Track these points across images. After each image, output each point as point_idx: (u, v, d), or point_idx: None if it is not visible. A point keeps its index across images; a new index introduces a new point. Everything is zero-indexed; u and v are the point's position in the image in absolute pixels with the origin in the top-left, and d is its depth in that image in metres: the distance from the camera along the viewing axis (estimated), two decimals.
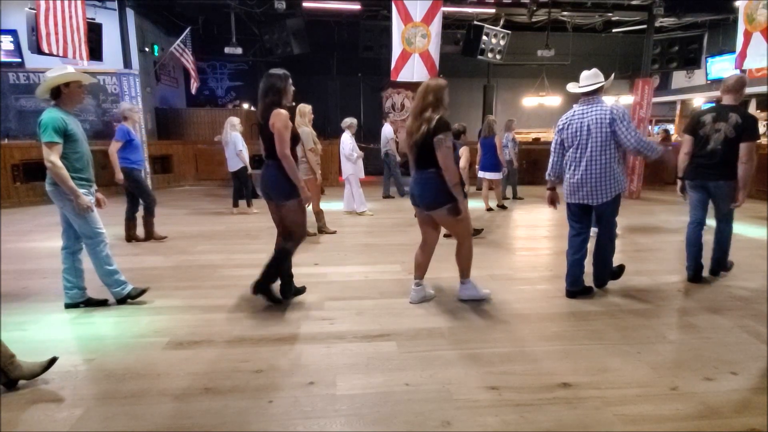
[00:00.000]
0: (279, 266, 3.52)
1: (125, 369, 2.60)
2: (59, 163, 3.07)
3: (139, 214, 5.69)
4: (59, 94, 3.15)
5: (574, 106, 3.67)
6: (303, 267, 4.55)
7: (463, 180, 4.18)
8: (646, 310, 3.52)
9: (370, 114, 14.08)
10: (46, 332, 3.13)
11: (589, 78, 3.53)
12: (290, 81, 3.35)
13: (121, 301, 3.54)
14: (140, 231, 5.71)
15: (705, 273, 4.17)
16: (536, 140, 13.92)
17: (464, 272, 3.61)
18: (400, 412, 2.21)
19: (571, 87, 3.67)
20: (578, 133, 3.52)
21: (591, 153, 3.47)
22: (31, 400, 2.30)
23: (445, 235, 5.78)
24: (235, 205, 7.66)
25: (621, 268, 4.00)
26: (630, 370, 2.60)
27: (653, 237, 5.97)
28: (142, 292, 3.63)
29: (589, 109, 3.49)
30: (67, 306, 3.48)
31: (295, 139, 3.37)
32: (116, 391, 2.39)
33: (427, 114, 3.22)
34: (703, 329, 3.18)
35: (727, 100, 3.86)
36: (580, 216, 3.73)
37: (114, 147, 5.27)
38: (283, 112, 3.24)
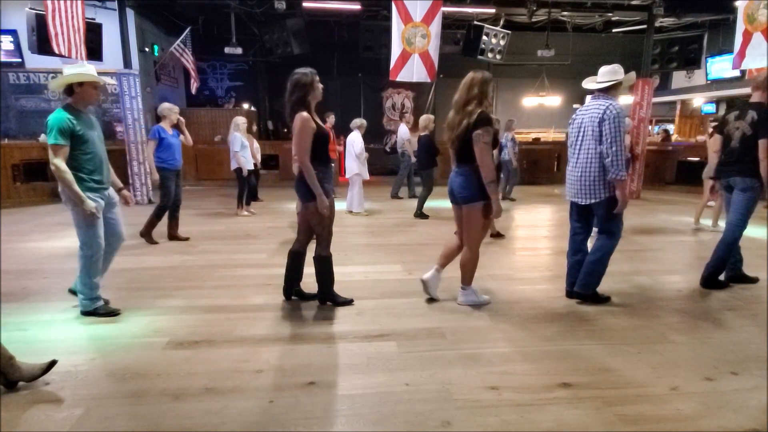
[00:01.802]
0: (325, 272, 3.50)
1: (125, 369, 2.60)
2: (63, 166, 3.00)
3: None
4: (72, 91, 3.11)
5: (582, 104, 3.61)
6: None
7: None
8: (647, 310, 3.52)
9: (370, 114, 14.07)
10: (46, 332, 3.12)
11: (605, 75, 3.43)
12: (317, 78, 3.26)
13: (86, 314, 3.34)
14: (155, 232, 5.72)
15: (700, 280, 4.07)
16: (536, 140, 13.92)
17: (466, 279, 3.57)
18: (400, 412, 2.21)
19: (587, 83, 3.57)
20: (577, 130, 3.48)
21: (583, 151, 3.42)
22: (31, 400, 2.30)
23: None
24: (247, 203, 7.63)
25: (607, 299, 3.69)
26: (630, 370, 2.60)
27: (653, 237, 5.97)
28: (112, 313, 3.37)
29: (591, 106, 3.42)
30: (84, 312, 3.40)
31: (322, 138, 3.26)
32: (116, 391, 2.39)
33: (469, 108, 3.20)
34: (703, 329, 3.18)
35: (755, 97, 3.78)
36: (578, 214, 3.68)
37: (149, 147, 5.47)
38: (304, 115, 3.15)
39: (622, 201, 3.36)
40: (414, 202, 7.82)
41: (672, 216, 7.41)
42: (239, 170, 7.16)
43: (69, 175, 3.02)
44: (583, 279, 3.60)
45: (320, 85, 3.29)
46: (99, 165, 3.20)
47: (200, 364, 2.66)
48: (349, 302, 3.57)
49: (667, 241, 5.79)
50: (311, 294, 3.68)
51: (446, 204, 8.11)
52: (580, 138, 3.45)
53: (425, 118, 7.51)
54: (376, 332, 3.11)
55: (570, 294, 3.73)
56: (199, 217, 7.39)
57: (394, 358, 2.75)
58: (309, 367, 2.64)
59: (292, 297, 3.69)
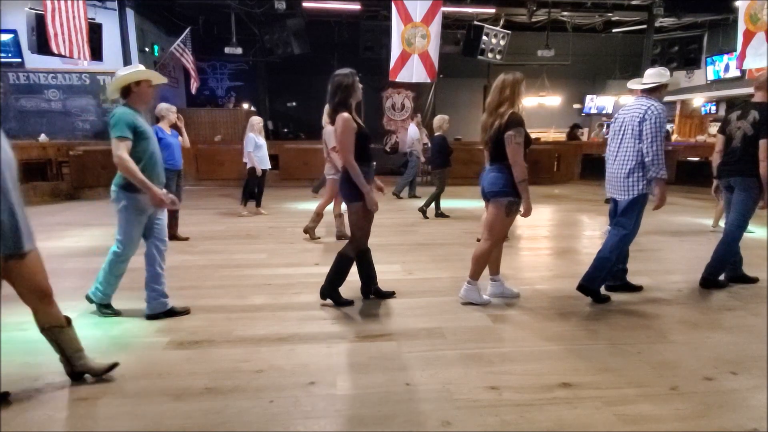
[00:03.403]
0: (340, 271, 3.51)
1: (126, 369, 2.59)
2: (126, 156, 2.96)
3: None
4: (129, 92, 3.11)
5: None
6: (303, 267, 4.56)
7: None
8: (646, 309, 3.52)
9: (370, 114, 14.06)
10: None
11: (651, 76, 3.53)
12: (357, 78, 3.30)
13: (90, 301, 3.40)
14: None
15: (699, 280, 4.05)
16: (536, 140, 13.92)
17: (474, 272, 3.58)
18: (401, 412, 2.21)
19: (632, 83, 3.71)
20: (619, 128, 3.57)
21: (622, 148, 3.49)
22: (31, 400, 2.30)
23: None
24: (258, 205, 7.62)
25: (607, 298, 3.69)
26: (630, 370, 2.61)
27: (653, 237, 5.97)
28: (116, 314, 3.42)
29: (633, 105, 3.52)
30: (149, 317, 3.33)
31: (363, 137, 3.30)
32: (117, 391, 2.39)
33: (501, 109, 3.27)
34: (703, 329, 3.18)
35: (757, 97, 3.81)
36: (616, 212, 3.70)
37: None
38: (345, 115, 3.19)
39: (661, 198, 3.48)
40: (414, 203, 7.82)
41: (672, 216, 7.40)
42: (252, 170, 7.19)
43: (133, 164, 2.97)
44: (590, 272, 3.61)
45: (360, 86, 3.34)
46: (155, 164, 3.18)
47: (201, 364, 2.67)
48: (349, 303, 3.58)
49: (667, 241, 5.79)
50: (389, 292, 3.74)
51: (456, 205, 8.10)
52: (620, 135, 3.54)
53: (440, 119, 7.48)
54: (376, 332, 3.11)
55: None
56: (200, 216, 7.39)
57: (394, 358, 2.75)
58: (309, 367, 2.64)
59: (371, 296, 3.70)
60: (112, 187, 3.16)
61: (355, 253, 3.50)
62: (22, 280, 2.24)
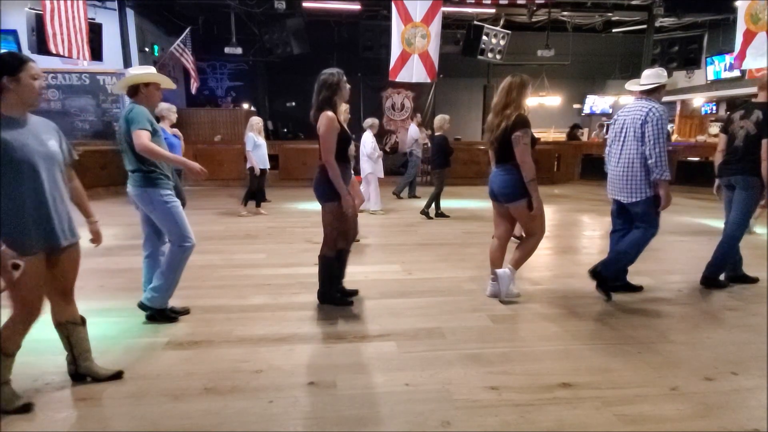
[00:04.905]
0: (327, 272, 3.52)
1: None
2: (149, 141, 2.95)
3: None
4: (137, 92, 3.14)
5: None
6: (303, 267, 4.55)
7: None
8: (647, 310, 3.52)
9: (370, 114, 14.04)
10: (46, 332, 3.10)
11: (649, 77, 3.56)
12: (344, 78, 3.30)
13: (151, 312, 3.26)
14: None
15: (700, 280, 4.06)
16: (537, 140, 13.92)
17: (517, 262, 3.61)
18: (400, 412, 2.21)
19: (630, 85, 3.75)
20: (619, 129, 3.59)
21: (625, 150, 3.51)
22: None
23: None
24: (257, 205, 7.62)
25: (610, 295, 3.69)
26: (630, 370, 2.60)
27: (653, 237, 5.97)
28: (185, 311, 3.41)
29: (634, 107, 3.54)
30: (148, 317, 3.30)
31: (344, 139, 3.31)
32: (116, 391, 2.39)
33: (508, 111, 3.32)
34: (703, 329, 3.18)
35: (761, 97, 3.82)
36: (618, 212, 3.74)
37: None
38: (329, 114, 3.20)
39: (665, 199, 3.49)
40: (415, 203, 7.80)
41: (672, 216, 7.39)
42: (251, 169, 7.20)
43: (156, 146, 2.96)
44: (606, 262, 3.64)
45: (347, 86, 3.34)
46: (163, 163, 3.20)
47: (200, 365, 2.66)
48: (348, 303, 3.57)
49: (668, 241, 5.78)
50: (353, 290, 3.75)
51: (456, 205, 8.09)
52: (621, 137, 3.57)
53: (440, 119, 7.47)
54: (376, 332, 3.10)
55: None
56: (199, 217, 7.37)
57: (394, 358, 2.75)
58: (309, 367, 2.64)
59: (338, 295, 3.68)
60: (138, 191, 3.09)
61: (333, 251, 3.49)
62: (54, 275, 2.25)
